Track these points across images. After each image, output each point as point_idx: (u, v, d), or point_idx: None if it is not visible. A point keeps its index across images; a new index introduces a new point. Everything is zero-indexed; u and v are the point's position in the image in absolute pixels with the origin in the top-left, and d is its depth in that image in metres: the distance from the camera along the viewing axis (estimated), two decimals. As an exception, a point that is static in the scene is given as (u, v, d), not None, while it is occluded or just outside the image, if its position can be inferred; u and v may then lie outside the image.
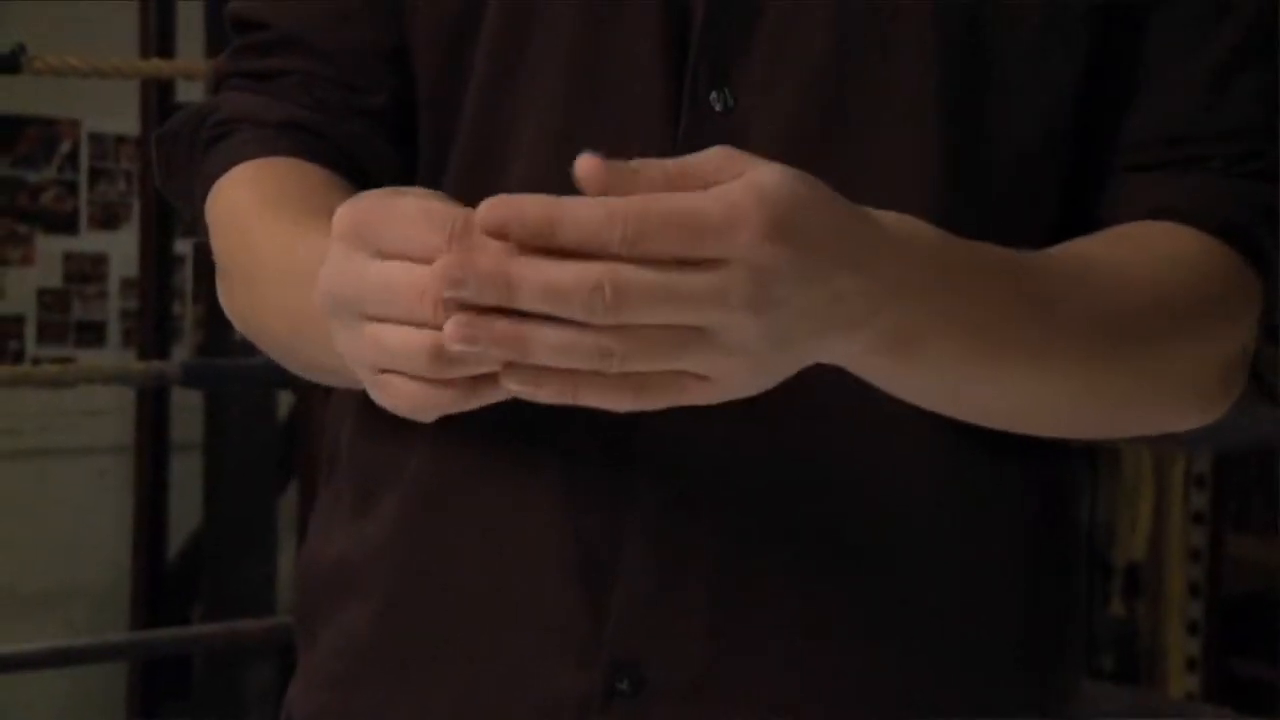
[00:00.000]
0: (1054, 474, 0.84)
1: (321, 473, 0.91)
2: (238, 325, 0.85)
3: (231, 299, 0.84)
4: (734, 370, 0.63)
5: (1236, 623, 2.84)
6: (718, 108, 0.77)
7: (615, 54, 0.78)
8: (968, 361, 0.71)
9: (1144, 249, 0.78)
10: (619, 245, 0.59)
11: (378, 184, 0.77)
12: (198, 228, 0.87)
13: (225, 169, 0.83)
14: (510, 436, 0.79)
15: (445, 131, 0.82)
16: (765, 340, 0.62)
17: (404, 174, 0.85)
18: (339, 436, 0.88)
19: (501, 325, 0.60)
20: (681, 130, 0.76)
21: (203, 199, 0.85)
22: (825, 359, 0.68)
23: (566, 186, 0.72)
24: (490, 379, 0.63)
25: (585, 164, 0.60)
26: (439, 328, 0.61)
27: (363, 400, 0.83)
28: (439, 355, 0.62)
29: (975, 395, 0.74)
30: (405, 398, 0.65)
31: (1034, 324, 0.73)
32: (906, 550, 0.79)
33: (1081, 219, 0.81)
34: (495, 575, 0.79)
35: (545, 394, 0.62)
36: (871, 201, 0.68)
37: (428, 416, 0.66)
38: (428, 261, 0.61)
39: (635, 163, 0.61)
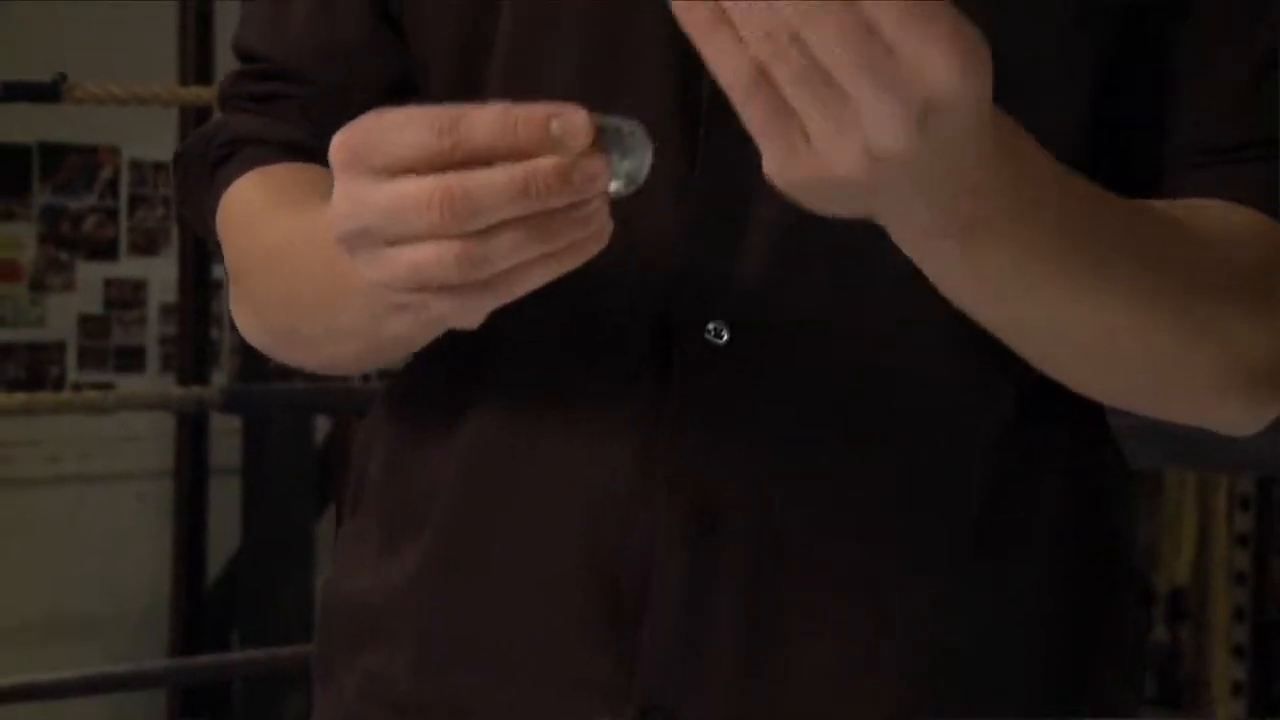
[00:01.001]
0: (1088, 501, 0.82)
1: (346, 505, 0.90)
2: (257, 332, 0.84)
3: (248, 300, 0.84)
4: (842, 147, 0.59)
5: (1282, 647, 2.80)
6: (736, 139, 0.74)
7: (624, 79, 0.76)
8: (1037, 273, 0.69)
9: (1209, 216, 0.77)
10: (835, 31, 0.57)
11: None
12: (212, 248, 0.87)
13: (232, 184, 0.84)
14: (533, 477, 0.78)
15: None
16: (887, 165, 0.60)
17: None
18: (365, 471, 0.87)
19: None
20: (698, 160, 0.75)
21: (213, 215, 0.85)
22: (897, 219, 0.66)
23: None
24: (524, 268, 0.63)
25: None
26: (455, 235, 0.61)
27: (390, 435, 0.85)
28: (465, 260, 0.62)
29: (1030, 306, 0.71)
30: (446, 312, 0.65)
31: (1098, 237, 0.71)
32: (939, 580, 0.77)
33: None
34: (523, 623, 0.79)
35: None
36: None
37: (473, 322, 0.66)
38: (426, 167, 0.61)
39: None
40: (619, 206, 0.73)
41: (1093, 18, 0.77)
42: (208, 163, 0.86)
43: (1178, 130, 0.79)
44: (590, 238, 0.63)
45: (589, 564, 0.77)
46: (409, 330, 0.72)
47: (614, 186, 0.63)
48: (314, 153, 0.83)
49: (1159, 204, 0.77)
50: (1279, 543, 2.84)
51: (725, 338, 0.75)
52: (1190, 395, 0.77)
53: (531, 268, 0.64)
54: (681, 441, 0.76)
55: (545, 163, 0.62)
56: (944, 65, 0.58)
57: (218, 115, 0.90)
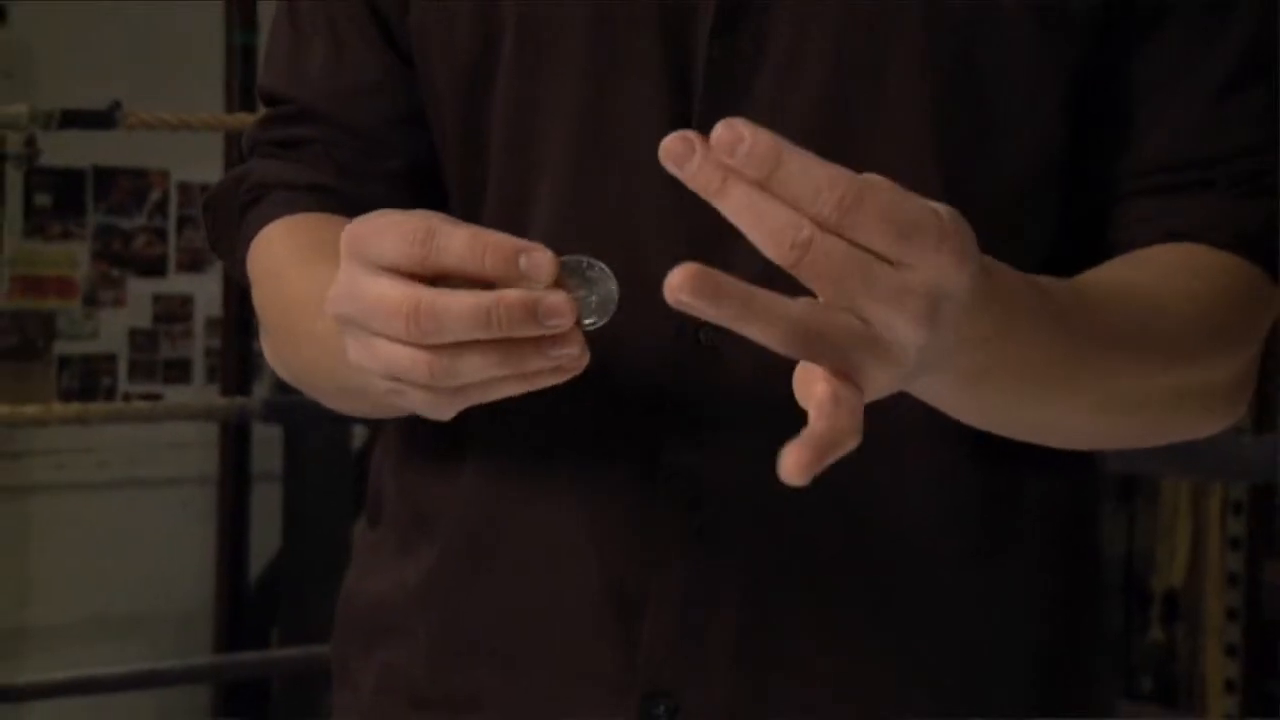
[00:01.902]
0: (1070, 501, 0.83)
1: (366, 516, 0.91)
2: (281, 373, 0.86)
3: (272, 346, 0.85)
4: (877, 377, 0.60)
5: (1274, 646, 2.78)
6: None
7: (622, 103, 0.77)
8: (1026, 396, 0.71)
9: (1173, 273, 0.78)
10: (831, 208, 0.57)
11: None
12: (243, 285, 0.88)
13: (260, 228, 0.85)
14: (539, 481, 0.79)
15: (475, 181, 0.82)
16: (912, 356, 0.60)
17: None
18: (382, 485, 0.88)
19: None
20: None
21: (244, 259, 0.86)
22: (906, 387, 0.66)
23: (583, 225, 0.76)
24: (494, 382, 0.63)
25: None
26: (424, 346, 0.62)
27: (400, 451, 0.86)
28: (435, 370, 0.63)
29: (1029, 422, 0.74)
30: (417, 404, 0.66)
31: (1089, 360, 0.72)
32: (928, 580, 0.79)
33: (1080, 243, 0.81)
34: (533, 618, 0.80)
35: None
36: None
37: (444, 416, 0.66)
38: (408, 270, 0.63)
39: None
40: (623, 224, 0.75)
41: (1060, 35, 0.77)
42: (236, 206, 0.87)
43: (1143, 146, 0.80)
44: (563, 365, 0.63)
45: (595, 562, 0.77)
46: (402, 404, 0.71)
47: (587, 321, 0.64)
48: (338, 194, 0.85)
49: (1124, 275, 0.77)
50: (1270, 546, 2.83)
51: (716, 344, 0.75)
52: (1173, 434, 0.80)
53: (503, 383, 0.64)
54: (682, 444, 0.76)
55: (511, 295, 0.61)
56: (947, 263, 0.58)
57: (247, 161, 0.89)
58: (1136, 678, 2.85)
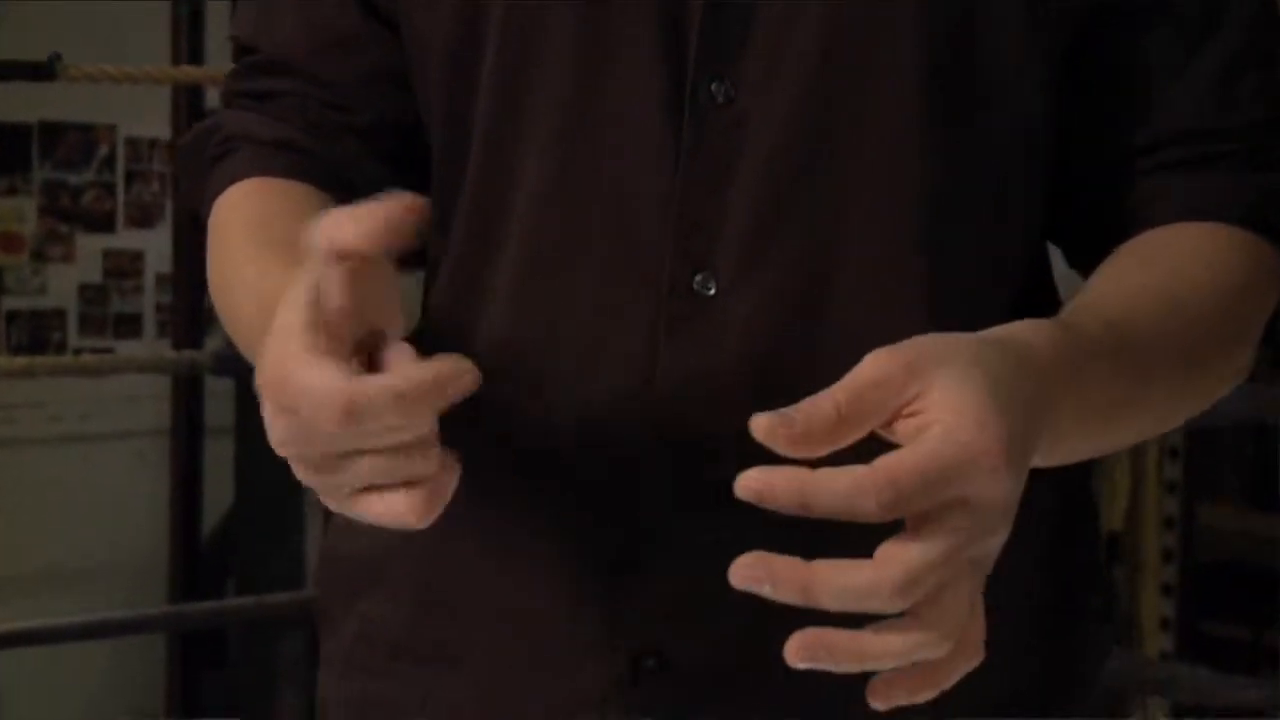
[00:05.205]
0: (1072, 477, 0.81)
1: None
2: (228, 331, 0.84)
3: (217, 307, 0.84)
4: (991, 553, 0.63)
5: (1207, 586, 2.82)
6: (720, 99, 0.74)
7: (616, 56, 0.75)
8: (1085, 438, 0.73)
9: (1190, 265, 0.78)
10: (877, 512, 0.59)
11: (365, 198, 0.79)
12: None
13: (225, 186, 0.84)
14: (531, 437, 0.77)
15: (459, 147, 0.79)
16: (1006, 528, 0.63)
17: (393, 188, 0.83)
18: None
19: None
20: (685, 121, 0.74)
21: (210, 210, 0.85)
22: None
23: (574, 186, 0.75)
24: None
25: (758, 425, 0.59)
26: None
27: None
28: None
29: (1089, 451, 0.76)
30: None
31: (1132, 390, 0.73)
32: None
33: (1073, 217, 0.81)
34: (517, 573, 0.77)
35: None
36: (866, 200, 0.71)
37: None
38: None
39: (801, 407, 0.59)
40: (613, 180, 0.73)
41: (1052, 18, 0.76)
42: (206, 158, 0.85)
43: (1151, 122, 0.79)
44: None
45: (581, 517, 0.76)
46: None
47: None
48: (307, 151, 0.83)
49: (1149, 277, 0.77)
50: (1205, 490, 2.86)
51: (712, 291, 0.74)
52: (1210, 402, 0.81)
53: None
54: (678, 395, 0.74)
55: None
56: (988, 482, 0.60)
57: (220, 111, 0.88)
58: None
